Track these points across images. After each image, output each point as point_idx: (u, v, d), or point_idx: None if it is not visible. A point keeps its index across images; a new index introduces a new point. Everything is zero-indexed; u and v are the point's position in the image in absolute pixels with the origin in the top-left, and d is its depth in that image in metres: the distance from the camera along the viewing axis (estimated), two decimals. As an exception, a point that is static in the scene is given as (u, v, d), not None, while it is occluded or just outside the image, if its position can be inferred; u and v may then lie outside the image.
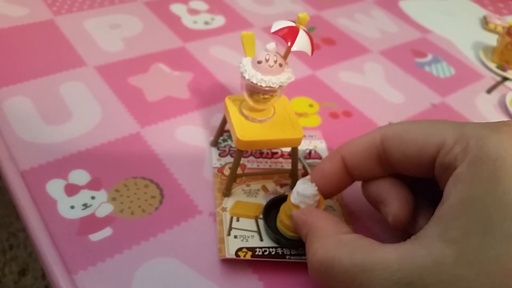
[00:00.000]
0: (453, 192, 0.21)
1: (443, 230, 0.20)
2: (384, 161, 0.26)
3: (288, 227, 0.27)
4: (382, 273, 0.20)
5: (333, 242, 0.23)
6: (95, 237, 0.28)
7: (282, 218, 0.28)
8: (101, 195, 0.30)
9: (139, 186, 0.31)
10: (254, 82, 0.27)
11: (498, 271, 0.18)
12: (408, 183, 0.27)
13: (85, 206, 0.29)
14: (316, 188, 0.27)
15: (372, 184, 0.27)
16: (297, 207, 0.27)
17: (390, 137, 0.26)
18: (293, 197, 0.27)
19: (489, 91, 0.48)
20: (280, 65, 0.27)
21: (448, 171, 0.22)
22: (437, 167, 0.23)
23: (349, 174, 0.28)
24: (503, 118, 0.44)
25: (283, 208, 0.28)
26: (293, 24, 0.27)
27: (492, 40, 0.55)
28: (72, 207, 0.29)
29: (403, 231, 0.27)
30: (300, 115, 0.40)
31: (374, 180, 0.27)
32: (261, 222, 0.29)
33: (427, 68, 0.49)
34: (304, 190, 0.26)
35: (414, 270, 0.19)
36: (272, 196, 0.31)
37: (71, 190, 0.30)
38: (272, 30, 0.27)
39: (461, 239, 0.19)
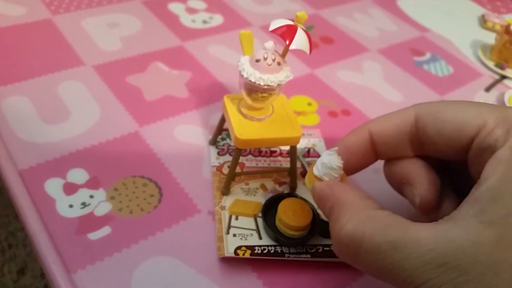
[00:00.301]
0: (492, 175, 0.20)
1: (481, 212, 0.19)
2: (416, 140, 0.25)
3: (287, 226, 0.27)
4: (416, 251, 0.19)
5: (364, 216, 0.22)
6: (94, 236, 0.28)
7: (281, 216, 0.28)
8: (100, 194, 0.30)
9: (138, 185, 0.31)
10: (253, 80, 0.27)
11: None
12: (433, 167, 0.26)
13: (84, 205, 0.29)
14: (341, 161, 0.25)
15: (398, 164, 0.26)
16: (319, 179, 0.25)
17: (425, 115, 0.24)
18: (317, 169, 0.25)
19: (488, 89, 0.48)
20: (279, 63, 0.27)
21: (486, 153, 0.22)
22: (474, 148, 0.23)
23: (374, 151, 0.26)
24: (501, 116, 0.44)
25: (308, 185, 0.26)
26: (291, 23, 0.27)
27: (490, 38, 0.55)
28: (71, 206, 0.29)
29: (427, 215, 0.26)
30: (299, 113, 0.40)
31: (400, 160, 0.26)
32: (260, 220, 0.29)
33: (425, 67, 0.49)
34: (330, 162, 0.25)
35: (449, 251, 0.19)
36: (271, 195, 0.31)
37: (70, 189, 0.30)
38: (270, 29, 0.27)
39: (501, 221, 0.19)
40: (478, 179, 0.21)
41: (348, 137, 0.27)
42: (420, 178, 0.25)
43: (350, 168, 0.27)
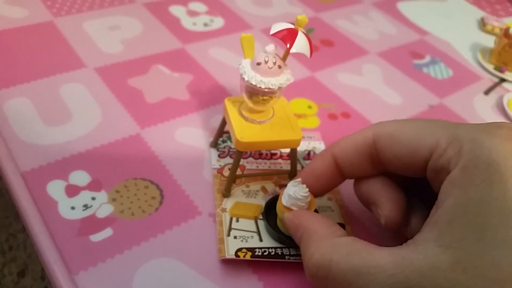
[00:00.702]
0: (447, 197, 0.21)
1: (439, 235, 0.20)
2: (376, 161, 0.26)
3: None
4: (378, 277, 0.20)
5: (329, 245, 0.23)
6: (96, 237, 0.28)
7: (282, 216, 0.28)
8: (102, 196, 0.30)
9: (139, 187, 0.31)
10: (254, 83, 0.28)
11: (494, 276, 0.18)
12: (400, 182, 0.27)
13: (86, 207, 0.29)
14: (307, 190, 0.27)
15: (364, 184, 0.27)
16: (288, 209, 0.27)
17: (382, 137, 0.25)
18: (284, 200, 0.27)
19: (487, 92, 0.48)
20: (279, 66, 0.28)
21: (441, 174, 0.22)
22: (429, 169, 0.23)
23: (341, 173, 0.28)
24: (501, 119, 0.45)
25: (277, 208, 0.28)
26: (292, 26, 0.27)
27: (489, 41, 0.56)
28: (73, 208, 0.29)
29: (396, 232, 0.27)
30: (299, 116, 0.40)
31: (365, 180, 0.27)
32: (260, 222, 0.29)
33: (425, 70, 0.50)
34: (295, 193, 0.26)
35: (410, 275, 0.20)
36: (271, 196, 0.31)
37: (72, 191, 0.30)
38: (271, 32, 0.27)
39: (456, 244, 0.19)
40: (436, 200, 0.22)
41: (314, 162, 0.28)
42: (384, 198, 0.26)
43: (320, 190, 0.28)
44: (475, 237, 0.19)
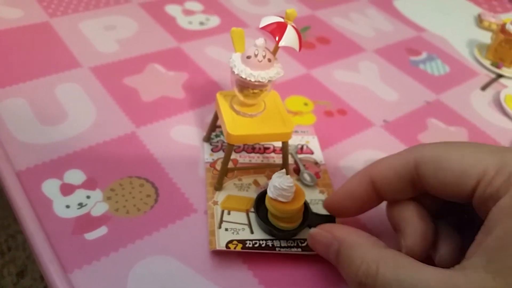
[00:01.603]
0: (497, 224, 0.21)
1: (488, 262, 0.20)
2: (418, 185, 0.25)
3: (279, 218, 0.28)
4: None
5: (375, 256, 0.23)
6: (91, 236, 0.28)
7: (272, 210, 0.28)
8: (97, 194, 0.30)
9: (134, 185, 0.31)
10: (244, 77, 0.28)
11: None
12: (434, 204, 0.27)
13: (81, 205, 0.29)
14: (291, 180, 0.27)
15: (395, 208, 0.27)
16: (275, 200, 0.27)
17: (425, 163, 0.24)
18: (270, 192, 0.27)
19: (484, 88, 0.48)
20: (269, 60, 0.28)
21: (489, 202, 0.22)
22: (476, 197, 0.23)
23: (378, 195, 0.27)
24: (498, 115, 0.45)
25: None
26: (282, 20, 0.27)
27: (486, 37, 0.56)
28: (68, 206, 0.29)
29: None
30: (295, 113, 0.40)
31: (397, 204, 0.27)
32: (252, 215, 0.30)
33: (421, 66, 0.50)
34: (281, 184, 0.27)
35: None
36: (262, 190, 0.31)
37: (67, 189, 0.30)
38: (261, 26, 0.27)
39: (507, 272, 0.19)
40: (483, 225, 0.22)
41: (350, 184, 0.28)
42: (410, 229, 0.25)
43: (355, 212, 0.28)
44: None
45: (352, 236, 0.25)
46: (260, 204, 0.29)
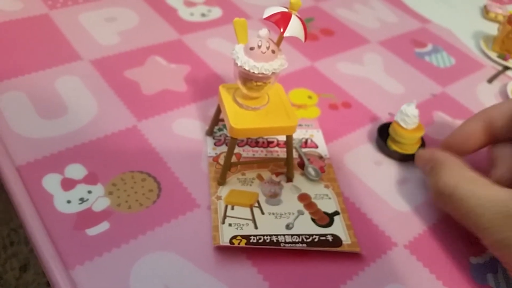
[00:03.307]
0: None
1: None
2: None
3: (399, 146, 0.35)
4: (494, 205, 0.25)
5: (458, 172, 0.28)
6: (92, 231, 0.27)
7: (393, 136, 0.35)
8: (98, 189, 0.30)
9: (136, 180, 0.31)
10: (247, 69, 0.27)
11: None
12: None
13: (82, 200, 0.29)
14: (417, 110, 0.34)
15: (496, 148, 0.32)
16: (398, 124, 0.34)
17: None
18: (397, 116, 0.35)
19: (490, 80, 0.47)
20: (273, 51, 0.27)
21: None
22: None
23: (492, 134, 0.32)
24: (504, 107, 0.44)
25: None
26: (286, 10, 0.26)
27: (492, 29, 0.55)
28: (69, 201, 0.29)
29: None
30: (299, 106, 0.39)
31: (499, 145, 0.32)
32: (256, 210, 0.29)
33: (427, 58, 0.49)
34: (406, 110, 0.34)
35: None
36: (267, 185, 0.31)
37: (68, 184, 0.30)
38: (264, 16, 0.26)
39: None
40: None
41: (466, 125, 0.33)
42: (501, 163, 0.30)
43: (467, 150, 0.33)
44: None
45: (446, 158, 0.30)
46: (381, 134, 0.36)
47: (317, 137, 0.36)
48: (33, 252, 0.73)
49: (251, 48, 0.27)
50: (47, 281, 0.70)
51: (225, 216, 0.29)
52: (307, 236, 0.28)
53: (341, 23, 0.52)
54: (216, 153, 0.33)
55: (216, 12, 0.50)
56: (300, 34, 0.26)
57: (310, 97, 0.41)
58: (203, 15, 0.49)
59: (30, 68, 0.39)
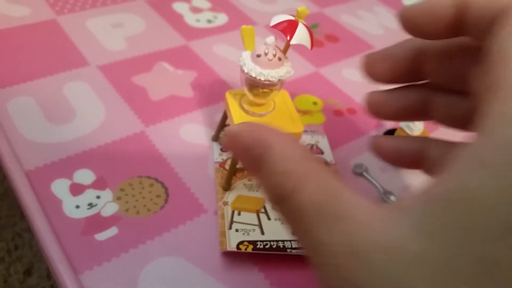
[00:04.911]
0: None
1: (422, 213, 0.15)
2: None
3: None
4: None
5: (301, 171, 0.18)
6: (101, 236, 0.28)
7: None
8: (106, 194, 0.30)
9: (144, 185, 0.31)
10: (253, 75, 0.27)
11: None
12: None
13: (91, 205, 0.29)
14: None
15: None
16: (402, 130, 0.34)
17: None
18: (402, 123, 0.35)
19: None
20: (279, 59, 0.27)
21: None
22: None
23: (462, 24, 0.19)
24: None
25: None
26: (292, 18, 0.27)
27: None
28: (78, 206, 0.29)
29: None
30: (304, 113, 0.40)
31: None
32: (262, 216, 0.29)
33: (431, 65, 0.49)
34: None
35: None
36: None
37: (76, 189, 0.30)
38: (272, 24, 0.27)
39: (443, 232, 0.14)
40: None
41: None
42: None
43: (437, 29, 0.20)
44: None
45: (281, 143, 0.19)
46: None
47: (323, 143, 0.36)
48: (37, 256, 0.73)
49: (258, 55, 0.27)
50: (51, 285, 0.70)
51: (232, 222, 0.29)
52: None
53: (346, 29, 0.53)
54: (222, 159, 0.33)
55: (222, 19, 0.50)
56: (307, 42, 0.27)
57: (315, 103, 0.41)
58: (209, 21, 0.50)
59: (39, 74, 0.39)
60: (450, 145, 0.23)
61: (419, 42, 0.23)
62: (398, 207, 0.16)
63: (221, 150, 0.34)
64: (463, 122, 0.23)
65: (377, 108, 0.25)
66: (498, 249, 0.13)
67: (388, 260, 0.14)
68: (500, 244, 0.13)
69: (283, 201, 0.17)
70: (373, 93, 0.25)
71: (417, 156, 0.24)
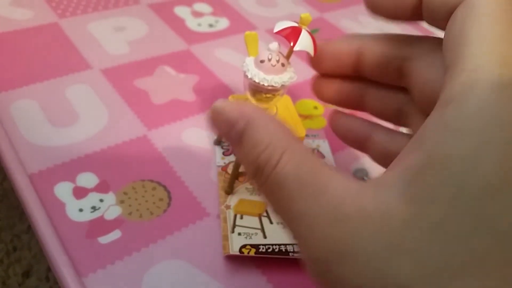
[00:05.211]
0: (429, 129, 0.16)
1: (408, 183, 0.16)
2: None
3: None
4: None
5: (285, 146, 0.18)
6: (104, 239, 0.28)
7: None
8: (110, 197, 0.30)
9: (147, 188, 0.31)
10: (257, 81, 0.28)
11: None
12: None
13: (94, 209, 0.29)
14: None
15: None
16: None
17: None
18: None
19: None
20: (283, 64, 0.28)
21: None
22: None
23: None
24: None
25: None
26: (296, 24, 0.27)
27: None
28: (81, 210, 0.29)
29: None
30: (305, 117, 0.40)
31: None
32: (265, 219, 0.30)
33: (430, 70, 0.49)
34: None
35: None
36: None
37: (80, 193, 0.30)
38: (275, 30, 0.27)
39: (426, 198, 0.15)
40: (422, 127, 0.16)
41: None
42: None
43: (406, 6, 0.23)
44: None
45: (264, 118, 0.19)
46: None
47: (324, 147, 0.37)
48: (36, 258, 0.73)
49: (261, 61, 0.28)
50: (50, 287, 0.70)
51: (234, 225, 0.29)
52: (316, 246, 0.28)
53: (346, 34, 0.53)
54: (224, 163, 0.34)
55: (223, 23, 0.51)
56: (310, 48, 0.27)
57: (316, 107, 0.41)
58: (210, 25, 0.50)
59: (41, 77, 0.39)
60: (394, 133, 0.26)
61: (358, 43, 0.26)
62: (378, 181, 0.16)
63: (224, 154, 0.34)
64: (394, 116, 0.26)
65: (318, 88, 0.28)
66: (496, 203, 0.14)
67: (378, 227, 0.15)
68: (495, 199, 0.14)
69: (265, 174, 0.18)
70: (318, 76, 0.28)
71: (364, 138, 0.26)
